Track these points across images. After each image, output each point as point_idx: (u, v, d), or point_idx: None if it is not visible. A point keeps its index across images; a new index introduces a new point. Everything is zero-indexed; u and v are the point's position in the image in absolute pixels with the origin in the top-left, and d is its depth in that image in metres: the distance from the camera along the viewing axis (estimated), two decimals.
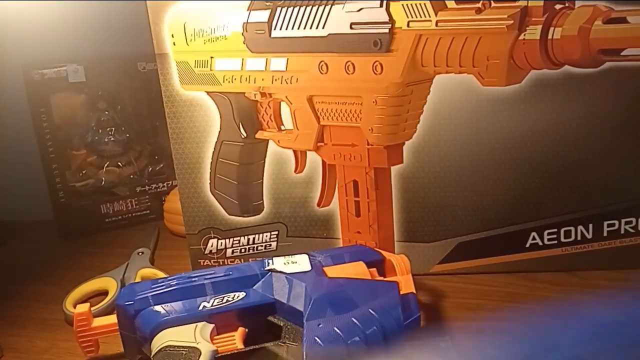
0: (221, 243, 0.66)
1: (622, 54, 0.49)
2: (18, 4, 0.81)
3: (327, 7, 0.56)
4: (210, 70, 0.61)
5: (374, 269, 0.53)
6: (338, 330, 0.44)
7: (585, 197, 0.58)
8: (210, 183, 0.64)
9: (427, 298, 0.59)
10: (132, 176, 0.87)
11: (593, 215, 0.59)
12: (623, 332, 0.35)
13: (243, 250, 0.66)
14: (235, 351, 0.46)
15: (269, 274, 0.51)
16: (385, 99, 0.56)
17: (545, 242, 0.60)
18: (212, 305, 0.49)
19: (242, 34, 0.59)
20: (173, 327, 0.48)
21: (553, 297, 0.57)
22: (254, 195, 0.64)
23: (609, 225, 0.59)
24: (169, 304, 0.49)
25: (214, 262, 0.66)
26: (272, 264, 0.52)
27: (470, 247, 0.61)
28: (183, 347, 0.45)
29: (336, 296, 0.48)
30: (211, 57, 0.61)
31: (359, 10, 0.55)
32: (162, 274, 0.66)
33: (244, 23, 0.59)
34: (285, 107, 0.61)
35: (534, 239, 0.60)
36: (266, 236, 0.65)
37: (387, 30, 0.54)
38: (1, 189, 0.90)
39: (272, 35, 0.58)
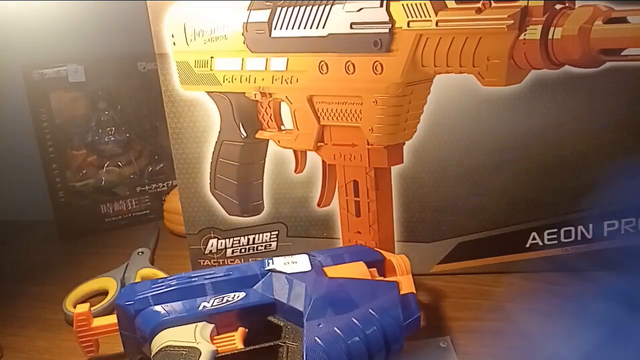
0: (221, 243, 0.66)
1: (622, 54, 0.49)
2: (18, 4, 0.81)
3: (327, 7, 0.56)
4: (210, 70, 0.61)
5: (374, 269, 0.53)
6: (338, 330, 0.44)
7: (585, 197, 0.58)
8: (210, 183, 0.64)
9: (427, 298, 0.59)
10: (132, 176, 0.87)
11: (593, 215, 0.59)
12: None
13: (243, 250, 0.66)
14: (235, 351, 0.46)
15: (269, 274, 0.51)
16: (385, 99, 0.56)
17: (545, 242, 0.60)
18: (212, 305, 0.49)
19: (242, 34, 0.59)
20: (173, 327, 0.48)
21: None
22: (254, 195, 0.64)
23: (609, 225, 0.59)
24: (169, 304, 0.49)
25: (214, 262, 0.66)
26: (272, 264, 0.52)
27: (470, 247, 0.61)
28: (183, 347, 0.45)
29: (336, 296, 0.48)
30: (211, 57, 0.61)
31: (359, 10, 0.55)
32: (162, 274, 0.66)
33: (244, 23, 0.59)
34: (285, 107, 0.61)
35: (534, 239, 0.60)
36: (266, 236, 0.65)
37: (387, 30, 0.54)
38: (1, 189, 0.89)
39: (272, 35, 0.58)
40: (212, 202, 0.65)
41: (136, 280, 0.66)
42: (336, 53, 0.57)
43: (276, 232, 0.65)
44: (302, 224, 0.64)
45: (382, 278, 0.53)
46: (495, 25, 0.51)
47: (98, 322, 0.52)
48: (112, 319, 0.51)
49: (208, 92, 0.62)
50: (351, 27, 0.56)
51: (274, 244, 0.65)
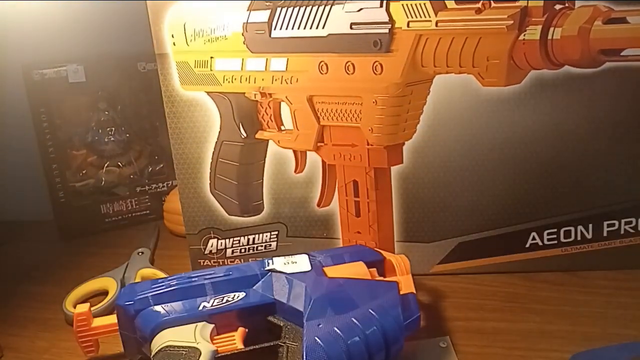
0: (221, 243, 0.66)
1: (622, 54, 0.49)
2: (18, 4, 0.81)
3: (327, 7, 0.56)
4: (210, 70, 0.61)
5: (374, 269, 0.53)
6: (338, 330, 0.44)
7: (585, 197, 0.58)
8: (210, 183, 0.64)
9: (427, 298, 0.59)
10: (132, 176, 0.87)
11: (593, 215, 0.59)
12: None
13: (243, 250, 0.66)
14: (235, 351, 0.46)
15: (269, 274, 0.51)
16: (385, 99, 0.56)
17: (545, 242, 0.60)
18: (212, 305, 0.49)
19: (242, 34, 0.59)
20: (173, 327, 0.48)
21: (553, 297, 0.57)
22: (254, 195, 0.64)
23: (609, 225, 0.59)
24: (169, 304, 0.49)
25: (214, 262, 0.66)
26: (272, 264, 0.52)
27: (470, 247, 0.61)
28: (183, 347, 0.45)
29: (336, 296, 0.48)
30: (211, 57, 0.61)
31: (359, 10, 0.55)
32: (162, 274, 0.66)
33: (244, 23, 0.59)
34: (285, 107, 0.61)
35: (534, 239, 0.60)
36: (266, 236, 0.65)
37: (387, 31, 0.54)
38: (1, 189, 0.89)
39: (272, 35, 0.58)
40: (212, 202, 0.65)
41: (136, 280, 0.66)
42: (336, 53, 0.57)
43: (276, 232, 0.65)
44: (302, 224, 0.64)
45: (382, 278, 0.53)
46: (495, 25, 0.51)
47: (98, 322, 0.52)
48: (112, 319, 0.51)
49: (208, 92, 0.62)
50: (351, 27, 0.56)
51: (274, 244, 0.65)
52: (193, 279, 0.51)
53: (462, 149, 0.58)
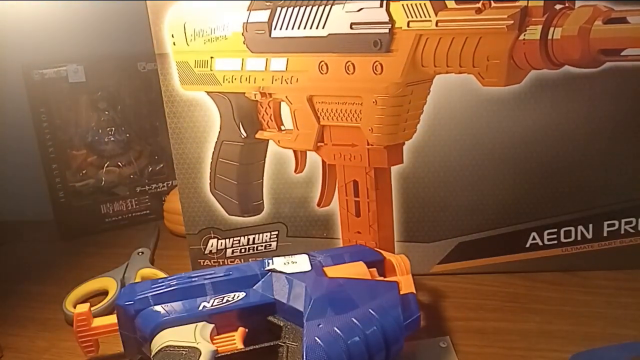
0: (221, 243, 0.66)
1: (622, 54, 0.49)
2: (18, 4, 0.81)
3: (327, 7, 0.56)
4: (210, 70, 0.61)
5: (374, 269, 0.53)
6: (338, 330, 0.44)
7: (585, 197, 0.58)
8: (210, 183, 0.64)
9: (427, 298, 0.59)
10: (132, 176, 0.87)
11: (593, 215, 0.59)
12: None
13: (243, 250, 0.66)
14: (235, 351, 0.46)
15: (269, 274, 0.51)
16: (385, 99, 0.56)
17: (545, 242, 0.60)
18: (212, 305, 0.49)
19: (242, 34, 0.59)
20: (173, 327, 0.48)
21: (553, 297, 0.57)
22: (254, 195, 0.64)
23: (609, 225, 0.59)
24: (169, 304, 0.49)
25: (214, 262, 0.66)
26: (272, 264, 0.52)
27: (470, 247, 0.61)
28: (183, 347, 0.45)
29: (336, 296, 0.48)
30: (211, 57, 0.61)
31: (359, 10, 0.55)
32: (162, 274, 0.66)
33: (244, 23, 0.59)
34: (285, 107, 0.61)
35: (534, 239, 0.60)
36: (266, 236, 0.65)
37: (387, 30, 0.54)
38: (1, 189, 0.90)
39: (272, 35, 0.58)
40: (212, 202, 0.65)
41: (136, 280, 0.66)
42: (336, 53, 0.57)
43: (276, 232, 0.65)
44: (302, 224, 0.64)
45: (382, 278, 0.53)
46: (495, 25, 0.51)
47: (98, 322, 0.52)
48: (112, 319, 0.51)
49: (208, 92, 0.62)
50: (351, 27, 0.55)
51: (274, 244, 0.65)
52: (193, 279, 0.51)
53: (462, 149, 0.58)
